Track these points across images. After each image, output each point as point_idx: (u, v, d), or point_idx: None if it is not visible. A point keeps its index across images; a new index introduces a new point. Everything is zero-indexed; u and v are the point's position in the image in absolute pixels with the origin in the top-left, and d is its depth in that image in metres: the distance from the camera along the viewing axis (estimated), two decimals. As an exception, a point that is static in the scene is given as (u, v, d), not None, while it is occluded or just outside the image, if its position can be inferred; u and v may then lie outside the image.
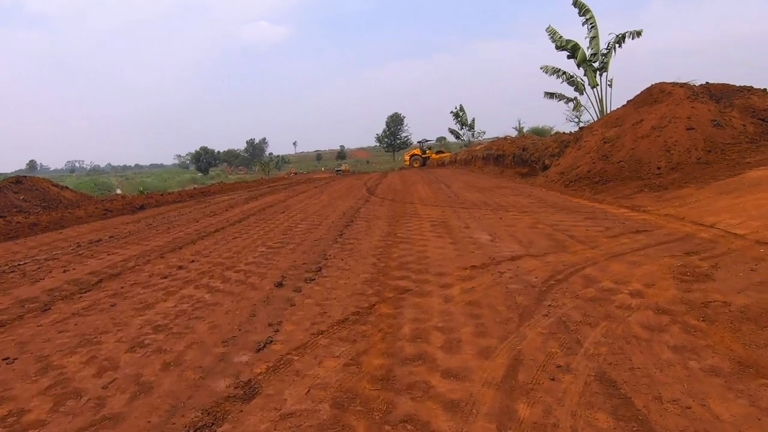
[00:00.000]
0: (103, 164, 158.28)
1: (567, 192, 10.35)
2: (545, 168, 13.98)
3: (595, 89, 18.19)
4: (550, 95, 19.56)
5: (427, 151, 39.69)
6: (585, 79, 18.28)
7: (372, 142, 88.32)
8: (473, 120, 50.02)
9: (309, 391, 2.46)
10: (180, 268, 5.40)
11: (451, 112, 50.56)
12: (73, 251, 6.92)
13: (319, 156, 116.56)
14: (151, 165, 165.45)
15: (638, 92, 12.56)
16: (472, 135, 49.79)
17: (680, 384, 2.33)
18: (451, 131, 51.91)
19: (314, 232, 7.22)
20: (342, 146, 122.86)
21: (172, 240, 7.40)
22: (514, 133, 33.24)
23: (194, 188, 22.96)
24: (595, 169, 10.57)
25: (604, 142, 11.28)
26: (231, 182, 29.65)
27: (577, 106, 19.11)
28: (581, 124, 27.28)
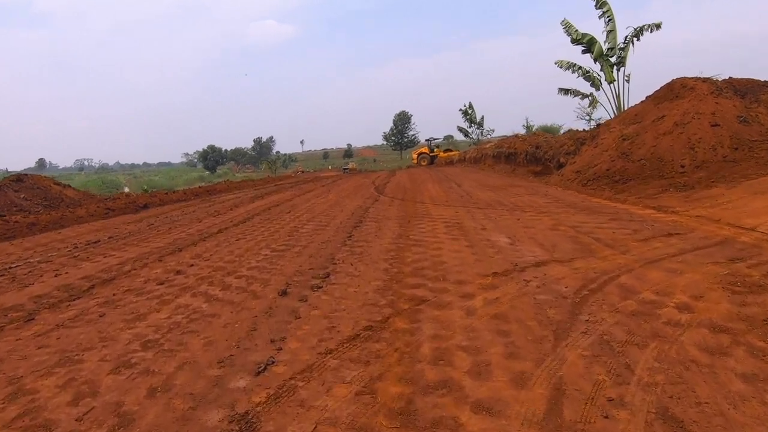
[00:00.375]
0: (111, 162, 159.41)
1: (585, 191, 9.90)
2: (560, 166, 13.50)
3: (611, 85, 17.65)
4: (565, 91, 18.94)
5: (435, 150, 39.10)
6: (601, 74, 17.72)
7: (379, 141, 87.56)
8: (482, 118, 49.51)
9: (316, 428, 2.09)
10: (178, 272, 5.05)
11: (460, 109, 50.10)
12: (68, 253, 6.60)
13: (326, 154, 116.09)
14: (159, 163, 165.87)
15: (653, 88, 12.08)
16: (482, 133, 49.27)
17: (763, 426, 1.93)
18: (460, 129, 51.39)
19: (321, 234, 6.85)
20: (349, 144, 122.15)
21: (173, 241, 7.07)
22: (523, 131, 32.70)
23: (200, 187, 22.66)
24: (614, 168, 10.10)
25: (623, 140, 10.80)
26: (237, 180, 29.33)
27: (594, 103, 18.51)
28: (593, 122, 26.72)
